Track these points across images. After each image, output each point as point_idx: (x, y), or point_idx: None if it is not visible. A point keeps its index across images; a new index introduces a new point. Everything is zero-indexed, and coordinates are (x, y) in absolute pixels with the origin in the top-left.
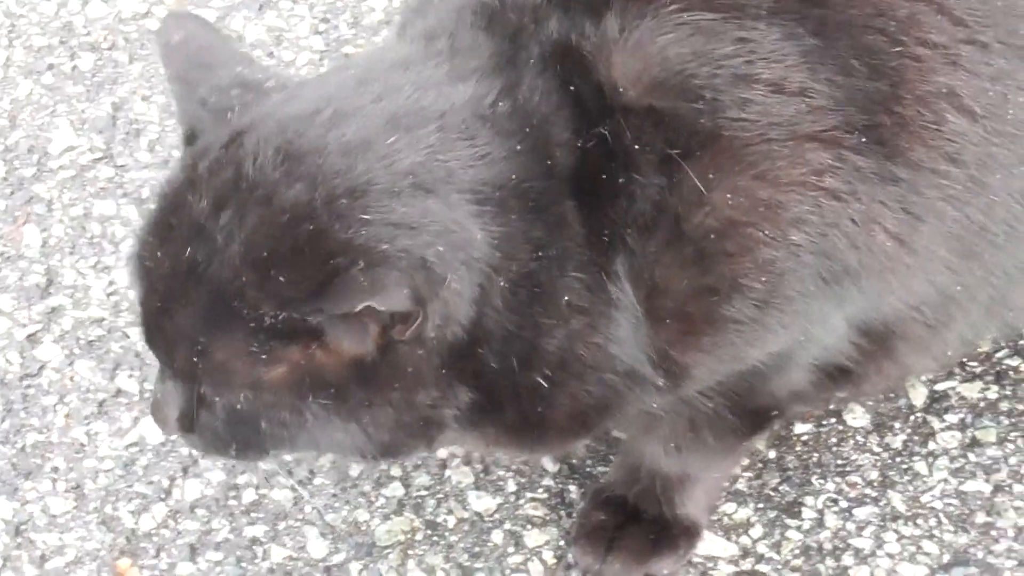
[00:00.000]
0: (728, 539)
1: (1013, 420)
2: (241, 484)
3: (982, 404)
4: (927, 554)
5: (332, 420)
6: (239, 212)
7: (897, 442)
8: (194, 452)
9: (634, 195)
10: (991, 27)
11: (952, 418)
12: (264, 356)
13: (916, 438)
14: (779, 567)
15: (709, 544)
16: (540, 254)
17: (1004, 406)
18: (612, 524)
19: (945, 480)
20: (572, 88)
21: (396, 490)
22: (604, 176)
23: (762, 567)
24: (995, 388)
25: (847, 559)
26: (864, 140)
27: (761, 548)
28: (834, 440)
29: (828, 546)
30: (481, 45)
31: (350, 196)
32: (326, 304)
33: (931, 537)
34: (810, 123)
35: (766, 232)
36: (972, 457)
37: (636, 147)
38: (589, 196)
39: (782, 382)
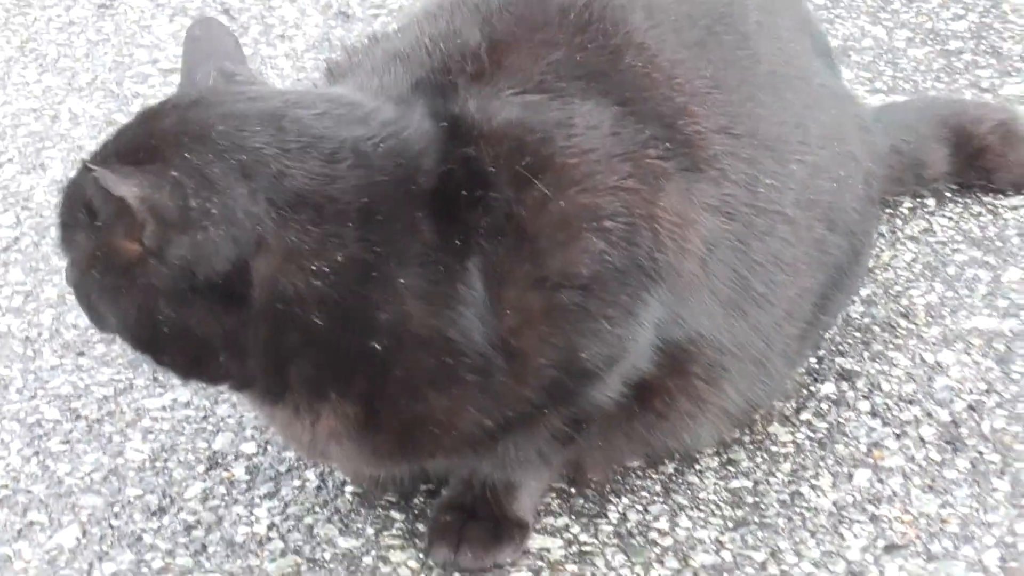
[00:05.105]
0: (554, 537)
1: (756, 443)
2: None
3: (728, 439)
4: (714, 525)
5: (103, 296)
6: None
7: (670, 468)
8: None
9: (489, 206)
10: (740, 123)
11: (708, 448)
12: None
13: (684, 464)
14: (599, 547)
15: (540, 541)
16: (377, 250)
17: (746, 439)
18: (457, 523)
19: (715, 483)
20: (444, 125)
21: (277, 544)
22: (464, 192)
23: (586, 548)
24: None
25: (652, 534)
26: (669, 148)
27: (583, 538)
28: (619, 477)
29: (635, 530)
30: (386, 108)
31: (194, 139)
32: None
33: (714, 515)
34: (620, 147)
35: (586, 224)
36: (732, 468)
37: (493, 168)
38: (444, 210)
39: (602, 388)
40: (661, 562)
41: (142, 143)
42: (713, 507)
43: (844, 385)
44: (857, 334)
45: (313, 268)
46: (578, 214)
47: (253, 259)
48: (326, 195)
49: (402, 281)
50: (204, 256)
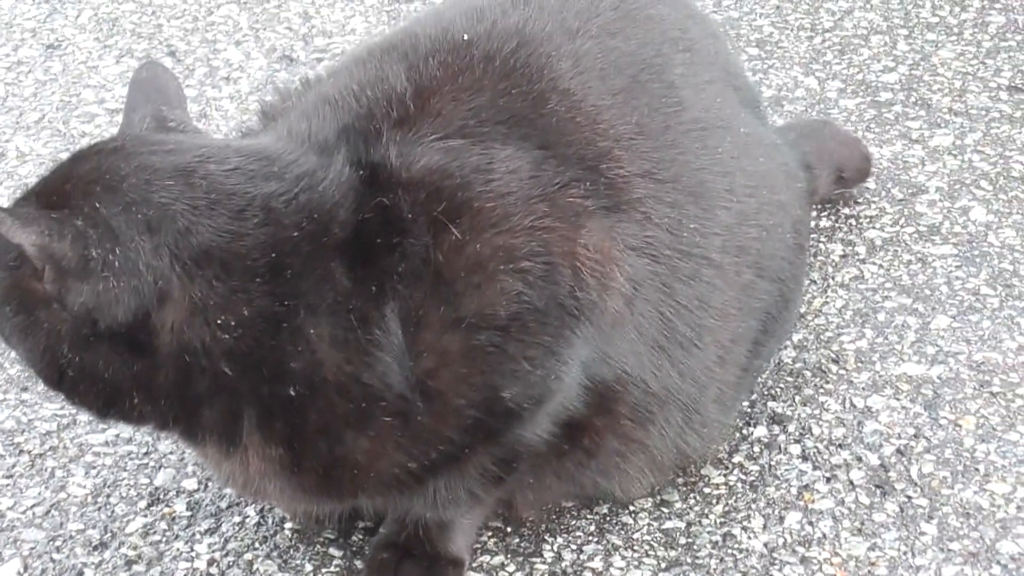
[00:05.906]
0: None
1: (689, 484)
2: None
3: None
4: (648, 565)
5: (14, 332)
6: None
7: (604, 509)
8: None
9: (406, 252)
10: (665, 168)
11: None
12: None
13: (618, 504)
14: None
15: None
16: (287, 303)
17: (679, 481)
18: (393, 561)
19: (648, 524)
20: (362, 173)
21: None
22: (379, 240)
23: None
24: None
25: (586, 574)
26: (591, 189)
27: None
28: (554, 516)
29: (570, 570)
30: (305, 159)
31: (105, 189)
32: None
33: (648, 555)
34: (538, 189)
35: (503, 265)
36: (665, 509)
37: (410, 215)
38: (360, 258)
39: (529, 427)
40: None
41: (58, 187)
42: (647, 547)
43: (776, 429)
44: (789, 379)
45: (219, 322)
46: (493, 256)
47: (157, 311)
48: (233, 252)
49: (313, 331)
50: (104, 305)
